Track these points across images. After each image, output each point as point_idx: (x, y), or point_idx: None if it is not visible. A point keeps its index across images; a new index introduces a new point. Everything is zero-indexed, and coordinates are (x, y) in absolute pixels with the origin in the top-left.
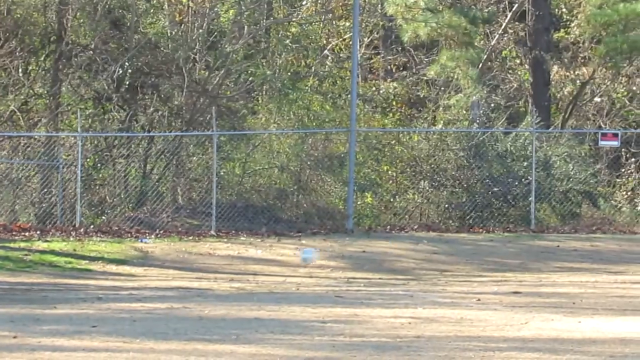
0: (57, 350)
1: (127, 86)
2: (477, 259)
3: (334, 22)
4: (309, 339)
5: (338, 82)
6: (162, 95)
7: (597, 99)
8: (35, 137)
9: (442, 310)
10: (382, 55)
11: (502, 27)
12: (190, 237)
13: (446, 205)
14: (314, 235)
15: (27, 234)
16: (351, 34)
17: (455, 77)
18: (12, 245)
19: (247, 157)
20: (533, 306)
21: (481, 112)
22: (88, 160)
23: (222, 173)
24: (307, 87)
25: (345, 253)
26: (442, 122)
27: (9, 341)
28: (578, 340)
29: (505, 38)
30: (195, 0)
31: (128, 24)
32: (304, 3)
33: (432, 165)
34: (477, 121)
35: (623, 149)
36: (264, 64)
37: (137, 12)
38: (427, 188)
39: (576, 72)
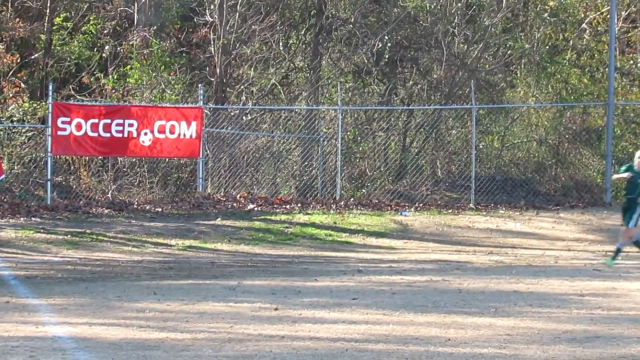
0: (317, 322)
1: (386, 60)
2: None
3: None
4: (567, 312)
5: (596, 55)
6: (421, 69)
7: None
8: (296, 110)
9: None
10: None
11: None
12: (450, 210)
13: None
14: (572, 208)
15: (288, 206)
16: (609, 7)
17: None
18: (273, 217)
19: (505, 130)
20: None
21: None
22: (348, 133)
23: (480, 146)
24: (565, 61)
25: (603, 226)
26: None
27: (270, 313)
28: None
29: None
30: None
31: None
32: None
33: None
34: None
35: None
36: (522, 37)
37: None
38: None
39: None
